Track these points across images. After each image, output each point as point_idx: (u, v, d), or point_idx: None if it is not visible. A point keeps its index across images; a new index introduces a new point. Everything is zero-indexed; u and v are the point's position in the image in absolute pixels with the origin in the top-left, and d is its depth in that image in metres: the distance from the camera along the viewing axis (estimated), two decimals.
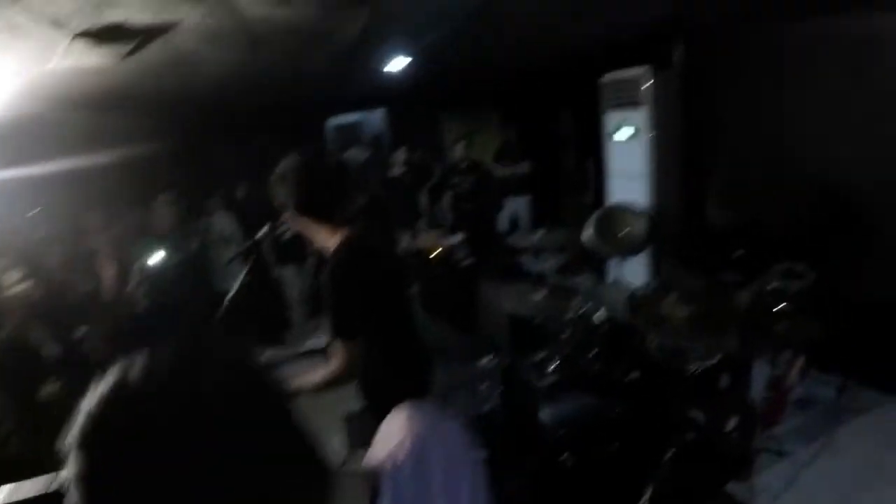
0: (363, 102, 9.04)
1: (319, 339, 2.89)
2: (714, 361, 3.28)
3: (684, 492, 3.19)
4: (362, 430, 3.51)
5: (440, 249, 5.76)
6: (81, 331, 3.87)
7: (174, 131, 6.61)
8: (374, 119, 9.85)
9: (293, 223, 2.50)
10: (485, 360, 5.45)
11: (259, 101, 5.79)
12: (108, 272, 4.26)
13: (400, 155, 7.19)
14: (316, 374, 2.43)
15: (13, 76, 2.16)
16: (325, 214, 2.42)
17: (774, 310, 3.17)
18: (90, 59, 2.19)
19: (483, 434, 4.36)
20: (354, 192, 4.81)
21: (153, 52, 2.39)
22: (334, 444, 3.12)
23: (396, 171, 7.22)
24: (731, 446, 3.31)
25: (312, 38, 2.94)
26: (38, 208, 5.92)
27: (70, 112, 3.23)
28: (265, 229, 2.83)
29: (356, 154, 8.66)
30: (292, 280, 6.24)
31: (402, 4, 2.53)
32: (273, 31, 2.62)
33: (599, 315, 3.63)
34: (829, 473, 3.53)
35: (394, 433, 0.99)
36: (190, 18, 2.07)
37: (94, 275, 4.58)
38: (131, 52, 2.25)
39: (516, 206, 7.62)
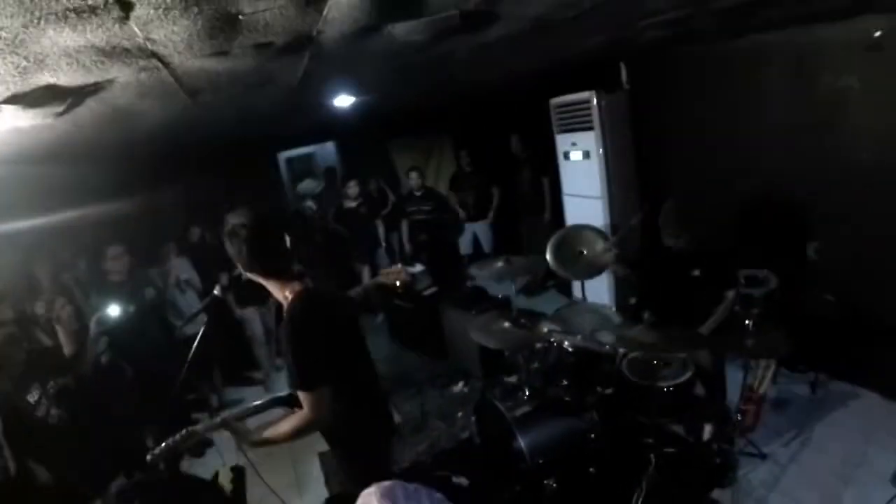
0: (312, 137, 9.02)
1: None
2: (687, 376, 3.31)
3: (670, 502, 3.21)
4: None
5: (402, 281, 5.73)
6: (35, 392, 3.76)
7: (119, 180, 6.49)
8: (326, 151, 9.84)
9: (251, 275, 2.57)
10: (458, 387, 5.46)
11: (205, 144, 5.71)
12: (64, 326, 4.13)
13: (352, 188, 7.18)
14: (286, 423, 2.52)
15: None
16: (273, 272, 2.56)
17: (745, 323, 3.20)
18: (23, 121, 2.15)
19: (462, 462, 4.38)
20: (305, 242, 4.85)
21: (89, 108, 2.34)
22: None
23: (351, 203, 7.20)
24: (712, 454, 3.34)
25: (253, 84, 2.92)
26: None
27: (11, 167, 3.13)
28: (216, 290, 2.88)
29: (310, 185, 8.63)
30: (254, 320, 6.19)
31: (342, 49, 2.51)
32: (210, 82, 2.58)
33: (568, 343, 3.63)
34: (811, 471, 3.61)
35: None
36: (122, 77, 2.03)
37: (49, 330, 4.46)
38: (64, 112, 2.21)
39: (476, 229, 7.63)
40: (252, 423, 2.73)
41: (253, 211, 2.51)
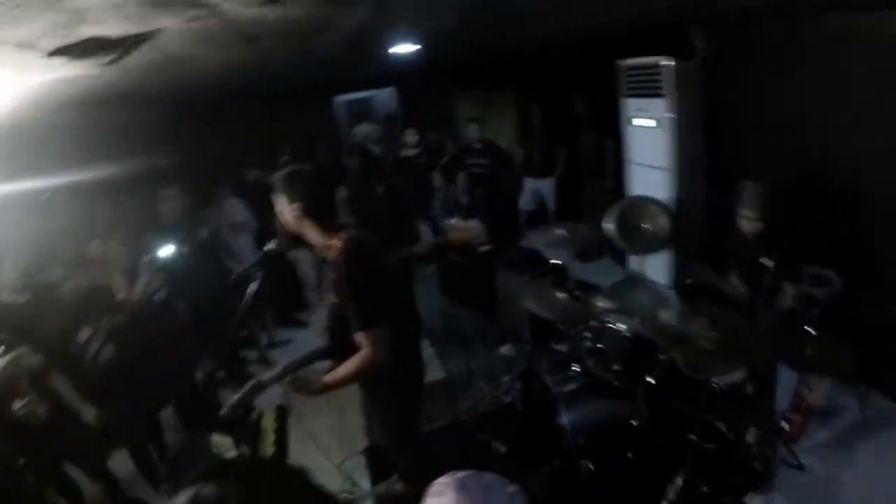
0: (371, 82, 8.90)
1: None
2: (740, 377, 3.17)
3: (703, 501, 3.12)
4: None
5: (463, 237, 5.65)
6: (84, 332, 3.86)
7: (174, 125, 6.55)
8: (385, 96, 9.71)
9: (295, 224, 2.66)
10: (505, 349, 5.40)
11: (261, 89, 5.67)
12: (119, 267, 4.22)
13: (410, 136, 7.08)
14: (347, 366, 2.62)
15: None
16: (326, 218, 2.68)
17: (804, 326, 3.00)
18: (71, 71, 2.12)
19: (502, 428, 4.36)
20: (362, 191, 4.78)
21: (140, 56, 2.30)
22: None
23: (409, 152, 7.11)
24: (753, 458, 3.21)
25: (308, 33, 2.84)
26: (48, 193, 5.93)
27: (61, 114, 3.15)
28: (269, 245, 2.89)
29: (367, 130, 8.55)
30: (306, 262, 6.22)
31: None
32: (265, 29, 2.52)
33: (623, 326, 3.50)
34: (849, 493, 3.39)
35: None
36: (172, 26, 1.97)
37: (102, 271, 4.57)
38: (113, 62, 2.17)
39: (541, 187, 7.45)
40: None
41: (312, 157, 2.59)
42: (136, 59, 2.32)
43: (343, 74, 6.84)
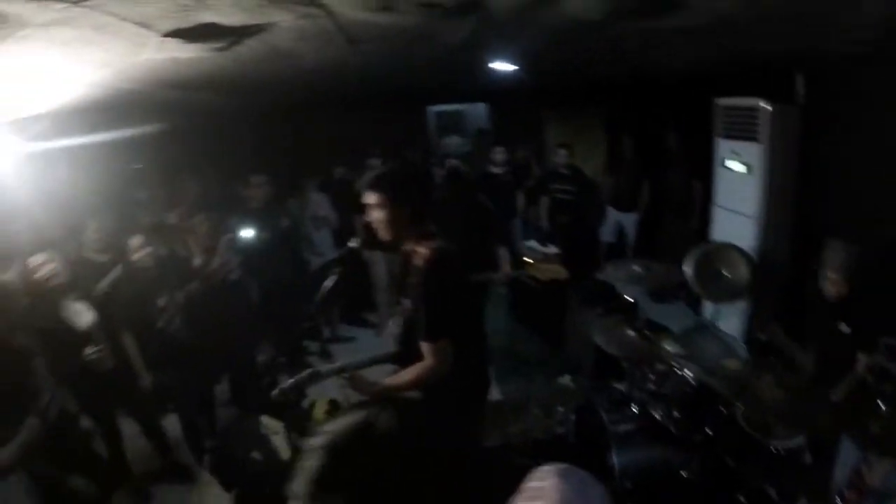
0: (464, 95, 8.94)
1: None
2: (799, 443, 3.03)
3: None
4: None
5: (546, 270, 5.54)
6: (161, 299, 4.02)
7: (271, 115, 6.74)
8: (477, 111, 9.75)
9: (386, 225, 2.66)
10: (565, 379, 5.33)
11: (356, 91, 5.78)
12: (199, 241, 4.39)
13: (499, 154, 7.06)
14: (408, 372, 2.64)
15: (102, 66, 2.22)
16: (416, 223, 2.66)
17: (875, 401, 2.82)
18: (184, 53, 2.22)
19: (551, 458, 4.26)
20: (444, 206, 4.79)
21: (250, 46, 2.39)
22: None
23: (496, 169, 7.11)
24: None
25: (414, 41, 2.89)
26: (140, 165, 6.24)
27: (165, 90, 3.29)
28: (352, 242, 2.95)
29: (456, 142, 8.58)
30: (379, 264, 6.26)
31: (512, 17, 2.43)
32: (373, 34, 2.57)
33: (689, 373, 3.39)
34: None
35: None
36: (285, 21, 2.05)
37: (182, 242, 4.75)
38: (224, 49, 2.26)
39: (623, 219, 7.33)
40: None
41: (406, 161, 2.62)
42: (247, 48, 2.41)
43: (438, 85, 6.90)
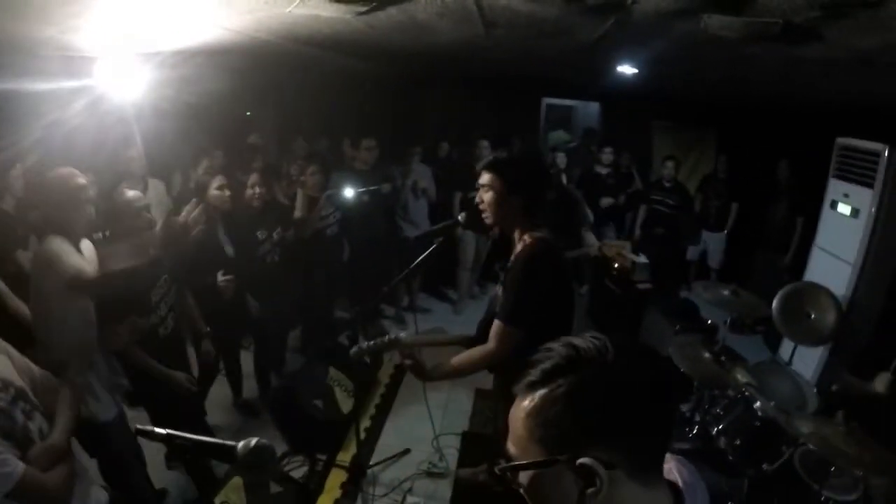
0: (580, 91, 8.87)
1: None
2: (855, 497, 2.96)
3: None
4: None
5: (623, 264, 5.59)
6: (266, 239, 4.27)
7: (392, 82, 6.88)
8: (588, 109, 9.68)
9: (497, 208, 2.66)
10: None
11: (481, 73, 5.84)
12: (306, 191, 4.61)
13: (607, 154, 7.06)
14: (468, 354, 2.69)
15: (245, 13, 2.33)
16: (532, 210, 2.65)
17: None
18: (326, 12, 2.33)
19: None
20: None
21: (389, 14, 2.49)
22: None
23: (601, 169, 7.11)
24: None
25: (549, 34, 2.93)
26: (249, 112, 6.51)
27: (299, 45, 3.42)
28: (461, 217, 3.01)
29: (562, 137, 8.56)
30: (469, 244, 6.36)
31: (649, 23, 2.44)
32: (510, 20, 2.63)
33: (759, 406, 3.35)
34: None
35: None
36: None
37: (287, 190, 4.99)
38: (366, 13, 2.37)
39: (708, 239, 7.25)
40: None
41: (531, 151, 2.64)
42: (386, 15, 2.50)
43: (557, 79, 6.89)
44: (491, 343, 2.59)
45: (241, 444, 1.45)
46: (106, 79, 3.16)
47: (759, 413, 3.32)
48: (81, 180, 2.67)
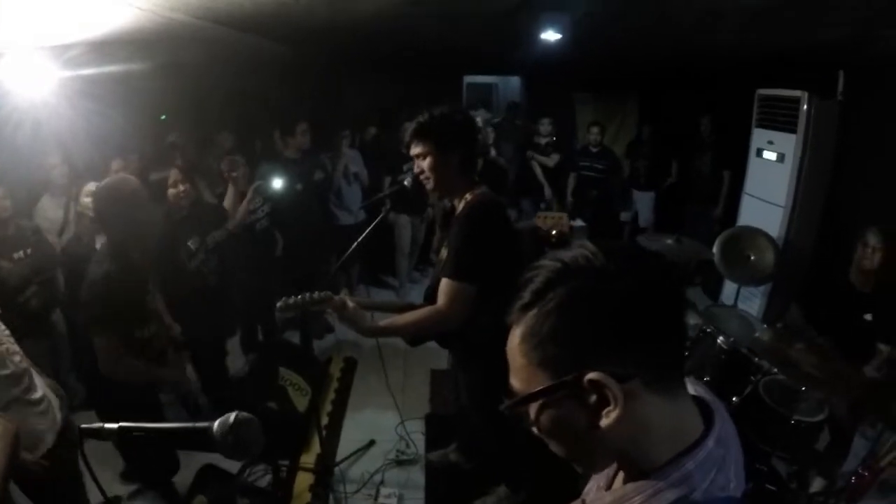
0: (502, 67, 8.93)
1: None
2: (819, 419, 3.04)
3: None
4: None
5: (562, 230, 5.62)
6: (200, 247, 4.04)
7: (318, 64, 6.70)
8: (510, 85, 9.73)
9: (434, 178, 2.60)
10: None
11: (404, 48, 5.74)
12: (235, 185, 4.37)
13: (545, 125, 7.18)
14: (412, 314, 2.57)
15: None
16: (469, 169, 2.64)
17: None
18: None
19: None
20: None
21: None
22: None
23: (541, 139, 7.20)
24: None
25: None
26: (163, 116, 6.22)
27: (217, 27, 3.24)
28: (407, 181, 2.85)
29: (484, 116, 8.58)
30: (405, 228, 6.28)
31: None
32: None
33: (722, 339, 3.40)
34: None
35: None
36: None
37: (216, 185, 4.76)
38: None
39: (637, 199, 7.46)
40: None
41: (451, 110, 2.56)
42: None
43: (479, 54, 6.86)
44: (440, 302, 2.49)
45: (217, 423, 1.25)
46: (12, 76, 2.89)
47: (724, 346, 3.38)
48: None
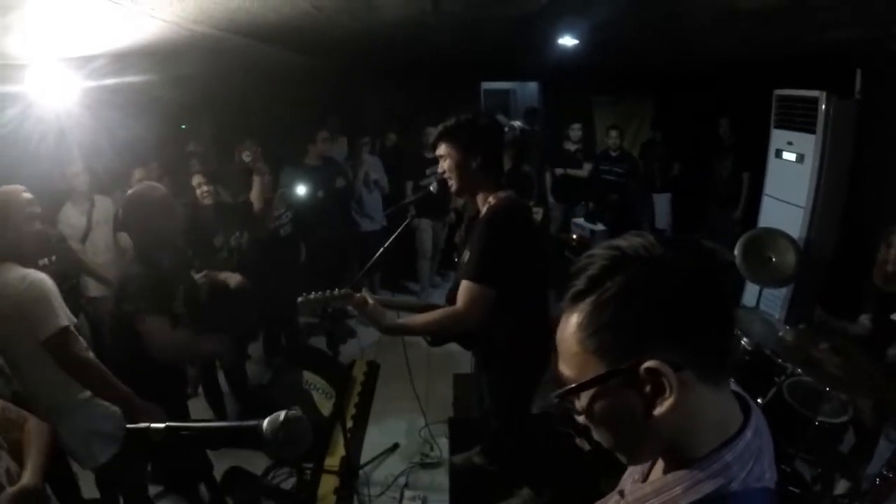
0: (519, 73, 8.94)
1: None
2: (843, 420, 3.03)
3: None
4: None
5: (582, 235, 5.64)
6: (224, 245, 4.11)
7: (339, 72, 6.74)
8: (527, 91, 9.73)
9: (456, 179, 2.64)
10: None
11: (423, 55, 5.76)
12: (257, 192, 4.43)
13: (576, 131, 7.22)
14: (431, 314, 2.60)
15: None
16: (492, 172, 2.65)
17: None
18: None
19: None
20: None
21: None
22: None
23: (570, 146, 7.25)
24: None
25: (493, 3, 2.90)
26: (183, 125, 6.29)
27: (240, 38, 3.29)
28: (433, 187, 2.90)
29: (502, 120, 8.60)
30: (426, 232, 6.29)
31: None
32: None
33: (746, 341, 3.40)
34: None
35: None
36: None
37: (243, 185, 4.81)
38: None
39: (655, 204, 7.45)
40: None
41: (476, 113, 2.61)
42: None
43: (497, 58, 6.89)
44: (459, 303, 2.50)
45: (266, 421, 1.25)
46: (37, 87, 2.95)
47: (749, 347, 3.37)
48: (28, 195, 2.49)
